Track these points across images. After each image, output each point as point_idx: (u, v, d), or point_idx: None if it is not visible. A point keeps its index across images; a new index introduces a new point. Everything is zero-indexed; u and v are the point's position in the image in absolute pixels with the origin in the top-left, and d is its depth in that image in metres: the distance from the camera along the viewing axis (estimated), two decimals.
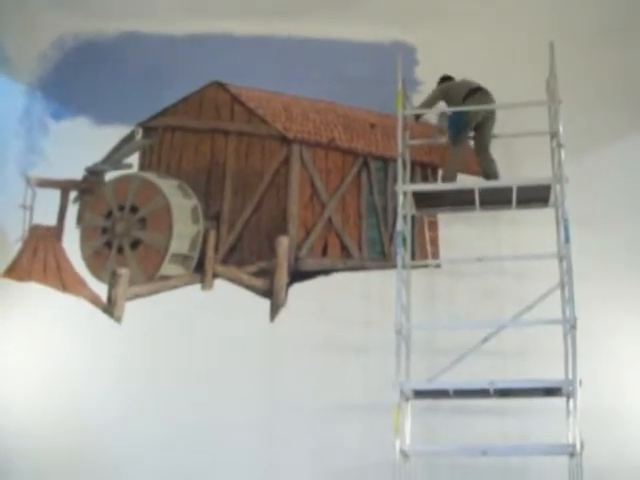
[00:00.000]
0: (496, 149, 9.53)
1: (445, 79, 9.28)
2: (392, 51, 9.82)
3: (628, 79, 9.93)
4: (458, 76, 9.16)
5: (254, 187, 9.98)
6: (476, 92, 8.81)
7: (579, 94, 9.39)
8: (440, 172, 9.43)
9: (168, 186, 10.09)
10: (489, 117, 8.89)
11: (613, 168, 9.57)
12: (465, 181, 8.97)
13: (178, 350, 9.35)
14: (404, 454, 7.71)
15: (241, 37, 10.57)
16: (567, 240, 8.02)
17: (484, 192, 8.55)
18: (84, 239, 10.13)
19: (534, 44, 9.31)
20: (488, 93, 8.85)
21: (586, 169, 9.21)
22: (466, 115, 8.75)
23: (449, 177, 8.83)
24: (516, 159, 9.47)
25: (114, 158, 10.38)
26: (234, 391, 9.14)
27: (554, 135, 8.72)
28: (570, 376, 7.63)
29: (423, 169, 9.91)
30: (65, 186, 10.31)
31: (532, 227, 9.06)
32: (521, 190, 8.47)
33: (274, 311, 9.51)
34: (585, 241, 8.42)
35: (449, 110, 8.90)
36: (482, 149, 8.94)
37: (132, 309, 9.69)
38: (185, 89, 10.47)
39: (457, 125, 8.83)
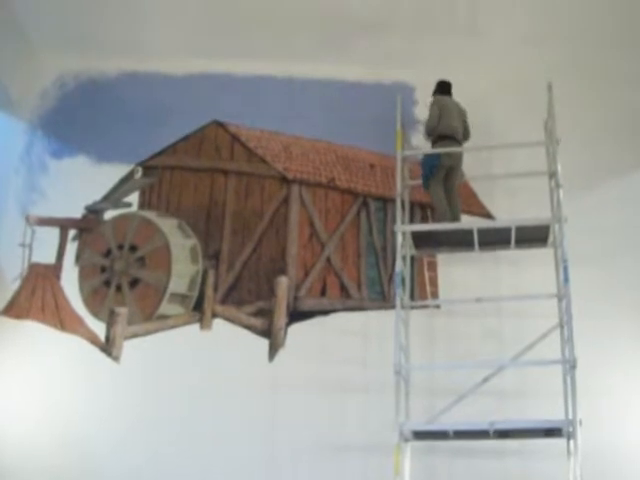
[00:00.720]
0: (494, 189, 9.68)
1: (441, 85, 9.46)
2: (392, 91, 9.95)
3: (630, 115, 10.05)
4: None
5: (253, 227, 10.04)
6: (445, 139, 8.99)
7: (580, 130, 9.55)
8: None
9: (167, 225, 10.14)
10: (459, 163, 9.13)
11: (614, 205, 9.67)
12: (464, 221, 9.06)
13: (176, 390, 9.34)
14: None
15: (241, 77, 10.69)
16: (566, 280, 8.08)
17: (483, 232, 8.62)
18: (83, 277, 10.14)
19: (534, 82, 9.43)
20: (457, 142, 9.08)
21: (586, 206, 9.32)
22: (439, 158, 8.93)
23: (443, 217, 8.92)
24: (515, 199, 9.59)
25: (113, 197, 10.43)
26: (232, 432, 9.13)
27: (552, 175, 8.82)
28: (570, 416, 7.65)
29: (422, 209, 9.99)
30: (64, 224, 10.34)
31: (531, 267, 9.13)
32: (520, 230, 8.53)
33: (273, 351, 9.53)
34: (584, 279, 8.48)
35: (442, 151, 8.99)
36: (449, 192, 9.09)
37: (130, 348, 9.69)
38: (185, 128, 10.56)
39: (430, 167, 8.99)
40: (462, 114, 9.34)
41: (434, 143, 9.12)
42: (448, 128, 9.07)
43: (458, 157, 9.14)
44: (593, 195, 9.67)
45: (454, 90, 9.52)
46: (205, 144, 10.51)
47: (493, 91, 10.22)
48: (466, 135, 9.31)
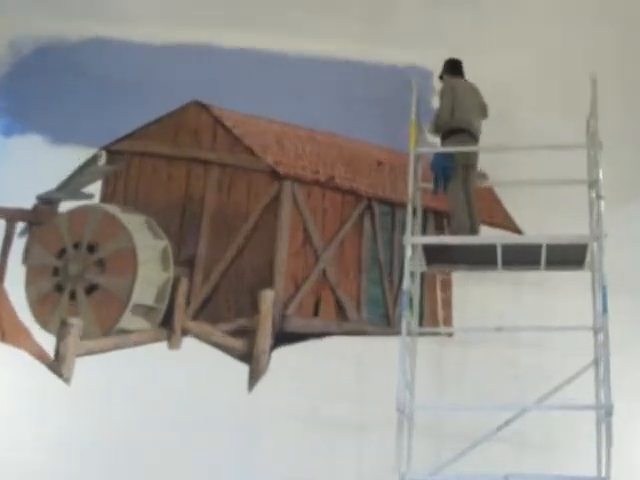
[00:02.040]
0: (522, 197, 9.64)
1: (452, 65, 9.42)
2: (406, 75, 9.97)
3: None
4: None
5: (236, 229, 10.03)
6: (459, 133, 8.96)
7: (624, 132, 9.53)
8: None
9: (134, 222, 10.12)
10: (475, 162, 9.09)
11: None
12: (486, 234, 9.04)
13: (136, 420, 9.32)
14: None
15: (228, 50, 10.68)
16: (605, 310, 8.01)
17: (508, 249, 8.54)
18: (30, 280, 10.14)
19: (574, 71, 9.48)
20: (474, 136, 9.02)
21: (628, 224, 9.29)
22: (452, 158, 8.90)
23: (461, 228, 8.89)
24: (546, 210, 9.56)
25: (72, 186, 10.43)
26: (202, 471, 9.12)
27: (593, 184, 8.73)
28: (603, 473, 7.61)
29: (437, 217, 10.00)
30: (11, 216, 10.35)
31: (562, 291, 9.15)
32: (552, 248, 8.45)
33: (253, 379, 9.52)
34: (625, 309, 8.50)
35: (466, 149, 8.96)
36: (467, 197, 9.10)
37: (83, 367, 9.66)
38: (159, 108, 10.54)
39: (442, 168, 8.93)
40: (477, 96, 9.31)
41: (445, 138, 9.07)
42: (463, 120, 9.04)
43: (475, 155, 9.11)
44: (635, 210, 9.65)
45: (478, 76, 9.49)
46: (183, 128, 10.51)
47: (524, 79, 10.24)
48: (484, 113, 9.29)
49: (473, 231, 8.91)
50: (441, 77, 9.43)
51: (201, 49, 10.69)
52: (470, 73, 9.40)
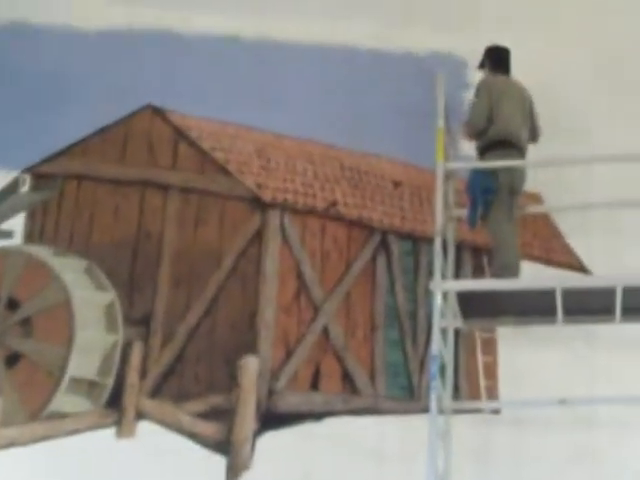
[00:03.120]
0: (589, 226, 9.67)
1: (495, 55, 9.47)
2: (430, 66, 10.05)
3: None
4: None
5: (206, 274, 10.09)
6: (502, 147, 9.01)
7: None
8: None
9: (70, 269, 10.18)
10: (522, 184, 9.13)
11: None
12: (541, 276, 9.07)
13: None
14: None
15: (193, 37, 10.80)
16: None
17: (571, 295, 8.59)
18: None
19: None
20: (521, 151, 9.09)
21: None
22: (495, 177, 8.94)
23: (506, 269, 8.92)
24: (620, 241, 9.61)
25: None
26: None
27: None
28: None
29: (475, 255, 10.07)
30: None
31: None
32: (629, 293, 8.50)
33: (233, 476, 9.50)
34: None
35: (510, 165, 9.02)
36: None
37: (5, 461, 9.63)
38: (101, 115, 10.62)
39: (483, 190, 8.97)
40: (526, 104, 9.37)
41: (483, 153, 9.12)
42: (506, 130, 9.10)
43: (522, 176, 9.15)
44: None
45: (519, 69, 9.59)
46: (133, 141, 10.62)
47: (581, 72, 10.38)
48: (534, 135, 9.36)
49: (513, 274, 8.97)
50: (482, 66, 9.51)
51: (157, 36, 10.80)
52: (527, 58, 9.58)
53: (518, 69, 9.53)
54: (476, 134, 9.12)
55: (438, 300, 8.48)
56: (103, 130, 10.61)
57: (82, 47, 10.88)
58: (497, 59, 9.44)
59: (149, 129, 10.54)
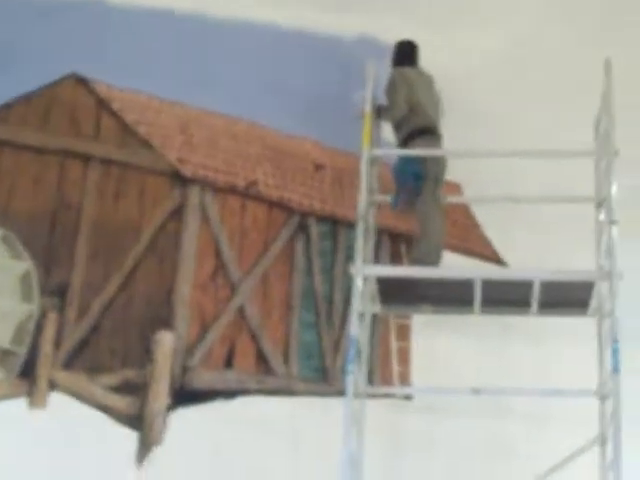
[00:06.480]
0: (508, 219, 9.71)
1: (404, 50, 9.64)
2: (358, 50, 10.19)
3: None
4: None
5: (125, 249, 9.98)
6: (423, 134, 9.06)
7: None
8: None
9: None
10: (444, 171, 9.26)
11: None
12: (462, 267, 9.08)
13: None
14: None
15: (124, 6, 10.70)
16: (616, 370, 8.07)
17: (489, 286, 8.61)
18: None
19: (574, 60, 9.74)
20: (440, 137, 9.20)
21: None
22: (423, 164, 9.00)
23: (427, 256, 8.93)
24: (539, 236, 9.66)
25: None
26: None
27: (601, 203, 8.85)
28: None
29: (394, 241, 10.08)
30: None
31: (558, 343, 9.30)
32: (547, 287, 8.54)
33: (144, 450, 9.44)
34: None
35: (440, 153, 9.05)
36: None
37: None
38: (24, 81, 10.44)
39: (410, 175, 8.98)
40: (431, 85, 9.59)
41: (407, 141, 9.13)
42: (427, 118, 9.16)
43: (445, 165, 9.20)
44: None
45: (449, 58, 9.63)
46: (55, 110, 10.44)
47: (508, 63, 10.44)
48: (441, 111, 9.55)
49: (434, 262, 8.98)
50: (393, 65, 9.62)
51: (91, 4, 10.73)
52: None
53: (436, 56, 9.59)
54: (397, 123, 9.17)
55: (359, 284, 8.46)
56: (26, 97, 10.43)
57: (6, 12, 10.70)
58: (408, 53, 9.73)
59: (72, 98, 10.40)
